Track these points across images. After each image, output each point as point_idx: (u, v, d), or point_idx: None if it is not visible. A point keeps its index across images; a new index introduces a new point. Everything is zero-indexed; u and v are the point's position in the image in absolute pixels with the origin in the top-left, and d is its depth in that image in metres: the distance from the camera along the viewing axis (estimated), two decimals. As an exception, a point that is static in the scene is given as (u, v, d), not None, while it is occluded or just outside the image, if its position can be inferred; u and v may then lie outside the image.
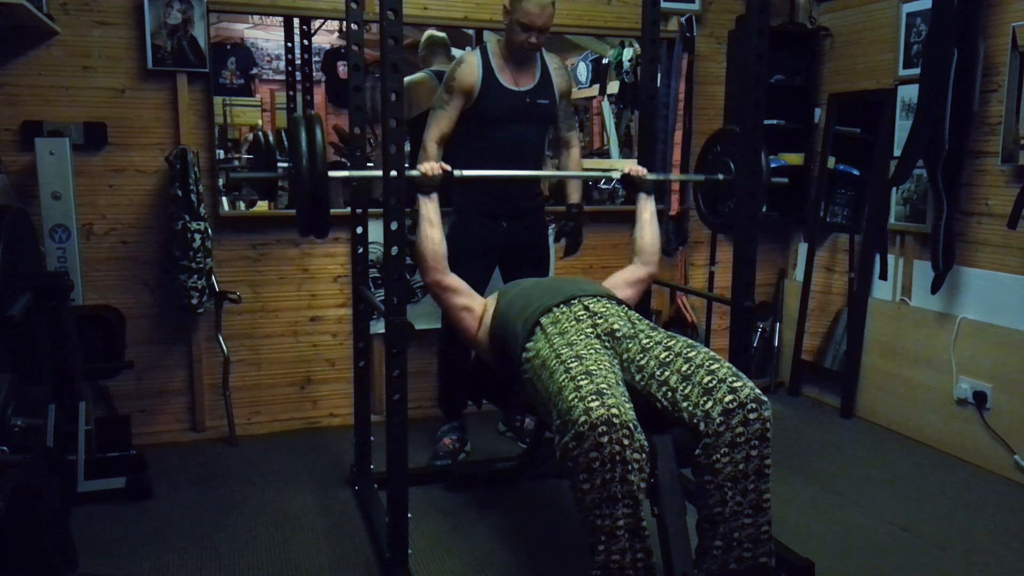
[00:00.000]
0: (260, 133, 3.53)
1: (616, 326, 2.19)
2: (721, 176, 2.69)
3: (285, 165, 3.40)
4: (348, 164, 3.06)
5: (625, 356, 2.11)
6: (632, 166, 2.74)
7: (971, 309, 3.26)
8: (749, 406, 1.86)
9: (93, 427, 2.99)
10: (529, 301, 2.31)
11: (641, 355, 2.07)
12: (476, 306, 2.51)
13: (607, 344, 2.14)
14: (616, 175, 2.77)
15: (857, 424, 3.73)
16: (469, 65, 2.93)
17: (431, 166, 2.43)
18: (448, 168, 2.44)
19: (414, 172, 2.40)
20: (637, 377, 2.05)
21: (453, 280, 2.49)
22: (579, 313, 2.23)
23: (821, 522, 2.73)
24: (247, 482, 2.99)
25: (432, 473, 3.01)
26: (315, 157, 2.19)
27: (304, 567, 2.41)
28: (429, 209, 2.44)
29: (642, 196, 2.73)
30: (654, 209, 2.74)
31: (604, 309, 2.26)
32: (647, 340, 2.11)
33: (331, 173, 2.24)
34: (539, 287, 2.44)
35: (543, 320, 2.22)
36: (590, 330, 2.16)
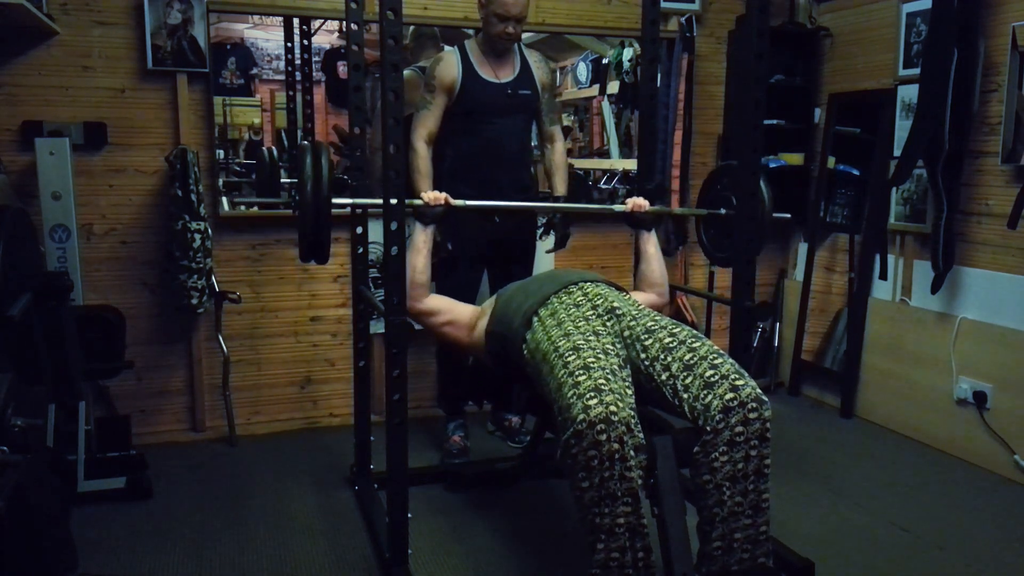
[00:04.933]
0: (264, 150, 3.53)
1: (616, 304, 2.19)
2: (724, 211, 2.63)
3: (288, 181, 3.40)
4: (348, 165, 3.06)
5: (628, 334, 2.10)
6: (634, 202, 2.66)
7: (971, 309, 3.26)
8: (749, 405, 1.86)
9: (93, 427, 2.99)
10: (527, 295, 2.31)
11: (646, 335, 2.07)
12: (460, 316, 2.51)
13: (608, 322, 2.13)
14: (618, 209, 2.69)
15: (857, 424, 3.73)
16: (448, 62, 2.96)
17: (434, 196, 2.42)
18: (451, 200, 2.43)
19: (417, 201, 2.40)
20: (642, 356, 2.04)
21: (430, 304, 2.50)
22: (578, 299, 2.23)
23: (821, 522, 2.73)
24: (247, 482, 2.99)
25: (432, 473, 3.01)
26: (320, 186, 2.18)
27: (304, 567, 2.41)
28: (420, 238, 2.44)
29: (643, 233, 2.68)
30: (656, 240, 2.70)
31: (604, 291, 2.27)
32: (651, 323, 2.11)
33: (335, 200, 2.24)
34: (536, 281, 2.44)
35: (541, 312, 2.22)
36: (590, 312, 2.16)
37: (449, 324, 2.51)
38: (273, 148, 3.61)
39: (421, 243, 2.45)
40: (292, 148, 4.00)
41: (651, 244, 2.68)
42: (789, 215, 2.70)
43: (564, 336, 2.05)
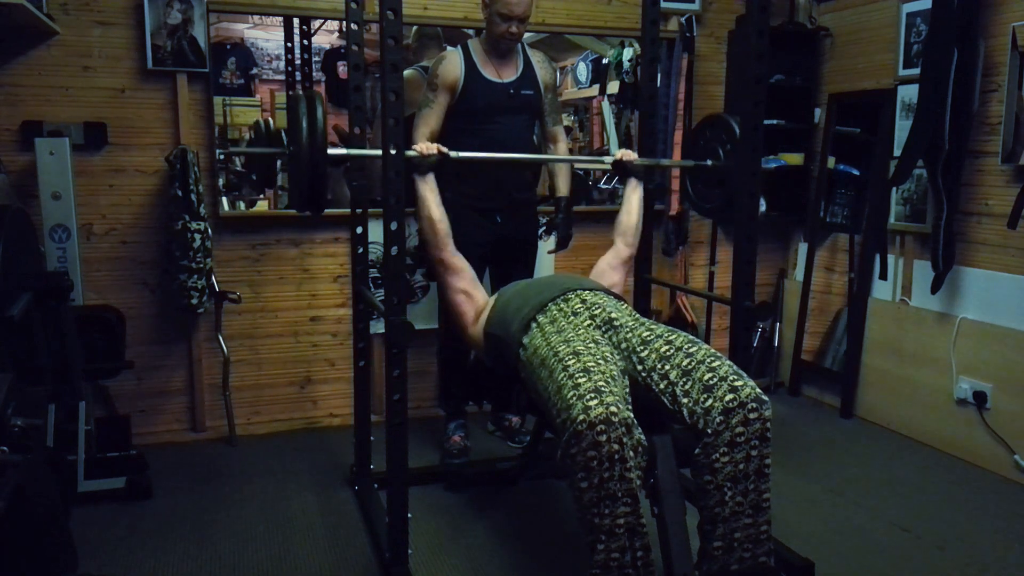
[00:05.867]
0: (261, 121, 3.51)
1: (614, 315, 2.19)
2: (710, 162, 2.69)
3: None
4: (348, 165, 3.06)
5: (625, 346, 2.10)
6: (623, 152, 2.77)
7: (971, 309, 3.26)
8: (750, 405, 1.86)
9: (93, 427, 2.99)
10: (526, 299, 2.31)
11: (641, 347, 2.07)
12: (476, 295, 2.52)
13: (606, 333, 2.14)
14: (609, 160, 2.79)
15: (857, 424, 3.73)
16: (451, 61, 2.96)
17: (426, 146, 2.46)
18: (445, 150, 2.46)
19: (411, 152, 2.40)
20: (639, 368, 2.04)
21: (457, 261, 2.52)
22: (576, 307, 2.23)
23: (821, 522, 2.73)
24: (247, 482, 2.99)
25: (432, 473, 3.01)
26: (315, 131, 2.19)
27: (304, 567, 2.41)
28: (424, 188, 2.47)
29: (632, 181, 2.78)
30: (642, 193, 2.78)
31: (602, 300, 2.27)
32: (647, 332, 2.11)
33: (330, 151, 2.24)
34: (535, 285, 2.44)
35: (539, 318, 2.22)
36: (588, 322, 2.16)
37: (464, 294, 2.52)
38: (270, 120, 3.61)
39: (427, 191, 2.47)
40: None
41: (636, 194, 2.77)
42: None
43: (564, 342, 2.05)
